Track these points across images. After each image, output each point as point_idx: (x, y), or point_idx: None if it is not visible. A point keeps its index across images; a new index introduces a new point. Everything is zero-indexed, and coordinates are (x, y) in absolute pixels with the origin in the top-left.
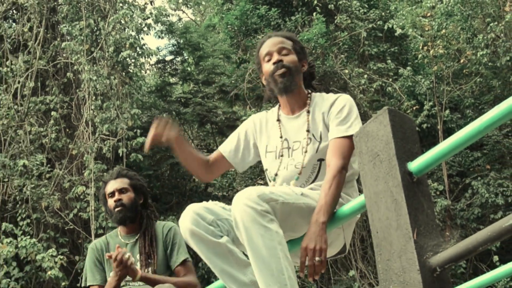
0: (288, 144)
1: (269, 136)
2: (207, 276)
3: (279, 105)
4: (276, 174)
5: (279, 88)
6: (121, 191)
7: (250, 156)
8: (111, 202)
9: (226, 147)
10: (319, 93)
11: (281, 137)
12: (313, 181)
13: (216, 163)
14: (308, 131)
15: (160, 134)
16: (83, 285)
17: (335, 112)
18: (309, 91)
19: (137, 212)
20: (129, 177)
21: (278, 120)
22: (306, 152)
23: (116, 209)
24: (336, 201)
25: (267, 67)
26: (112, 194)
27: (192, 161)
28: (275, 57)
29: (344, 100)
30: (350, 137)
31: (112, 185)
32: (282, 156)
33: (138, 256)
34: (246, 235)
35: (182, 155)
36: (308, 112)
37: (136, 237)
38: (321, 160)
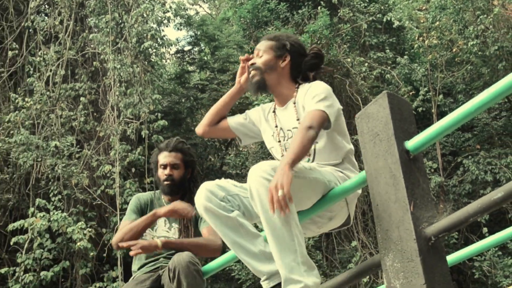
0: (283, 133)
1: (269, 123)
2: (222, 247)
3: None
4: (273, 147)
5: (251, 91)
6: (173, 166)
7: (252, 132)
8: (161, 173)
9: (233, 119)
10: (303, 84)
11: (276, 126)
12: (312, 162)
13: (220, 126)
14: (298, 120)
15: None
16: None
17: (310, 96)
18: (297, 84)
19: (183, 186)
20: (184, 152)
21: (274, 112)
22: None
23: (166, 182)
24: (302, 151)
25: None
26: (164, 166)
27: (221, 109)
28: (250, 61)
29: (318, 85)
30: (322, 111)
31: (166, 158)
32: (279, 141)
33: (174, 225)
34: (261, 205)
35: (229, 101)
36: (294, 103)
37: None
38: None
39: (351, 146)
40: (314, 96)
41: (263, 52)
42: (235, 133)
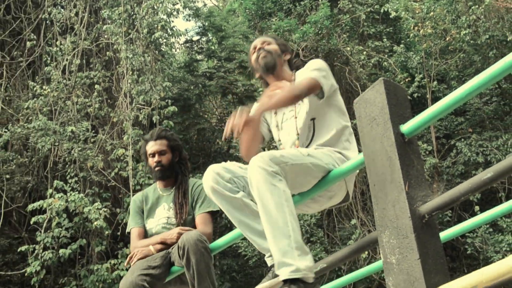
0: (283, 117)
1: (271, 116)
2: (229, 226)
3: None
4: (279, 140)
5: (262, 67)
6: (161, 153)
7: (267, 130)
8: (151, 161)
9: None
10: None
11: (275, 113)
12: (311, 140)
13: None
14: None
15: (236, 124)
16: (127, 231)
17: (306, 68)
18: (294, 71)
19: (173, 169)
20: (168, 138)
21: None
22: (296, 117)
23: (156, 169)
24: (280, 102)
25: (253, 57)
26: (152, 155)
27: (255, 142)
28: (258, 46)
29: (314, 60)
30: (312, 78)
31: (153, 147)
32: (282, 129)
33: (172, 205)
34: (258, 193)
35: (254, 134)
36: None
37: (172, 190)
38: (313, 119)
39: (349, 124)
40: (309, 67)
41: (269, 42)
42: (266, 138)
